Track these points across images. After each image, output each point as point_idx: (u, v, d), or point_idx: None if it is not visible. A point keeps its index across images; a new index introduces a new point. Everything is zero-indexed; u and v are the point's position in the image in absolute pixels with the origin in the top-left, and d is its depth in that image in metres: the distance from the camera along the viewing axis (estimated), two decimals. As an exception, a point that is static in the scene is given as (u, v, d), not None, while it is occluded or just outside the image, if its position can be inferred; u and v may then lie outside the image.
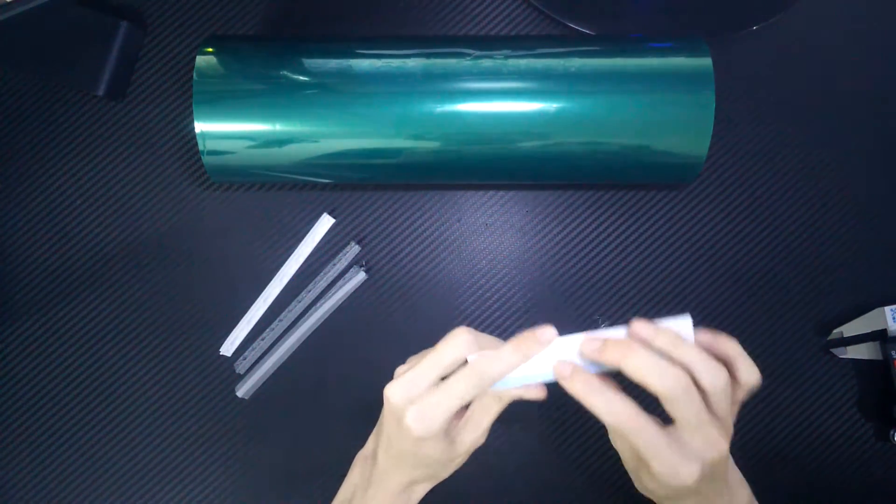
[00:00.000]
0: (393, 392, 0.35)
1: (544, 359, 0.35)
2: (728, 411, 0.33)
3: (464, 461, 0.39)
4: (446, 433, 0.36)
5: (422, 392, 0.34)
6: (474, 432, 0.37)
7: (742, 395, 0.34)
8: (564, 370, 0.33)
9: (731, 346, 0.34)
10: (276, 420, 0.52)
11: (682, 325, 0.34)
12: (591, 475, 0.51)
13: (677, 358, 0.32)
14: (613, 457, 0.49)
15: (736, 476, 0.37)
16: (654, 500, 0.37)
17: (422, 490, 0.40)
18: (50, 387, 0.52)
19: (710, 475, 0.33)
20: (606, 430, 0.35)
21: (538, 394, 0.35)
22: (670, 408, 0.32)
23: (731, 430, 0.34)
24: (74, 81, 0.51)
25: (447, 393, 0.34)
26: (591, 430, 0.51)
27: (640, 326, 0.33)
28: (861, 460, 0.51)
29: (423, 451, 0.37)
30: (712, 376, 0.32)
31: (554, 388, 0.35)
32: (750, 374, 0.34)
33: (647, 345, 0.33)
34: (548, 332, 0.34)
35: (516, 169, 0.47)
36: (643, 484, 0.35)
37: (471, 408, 0.37)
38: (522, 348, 0.34)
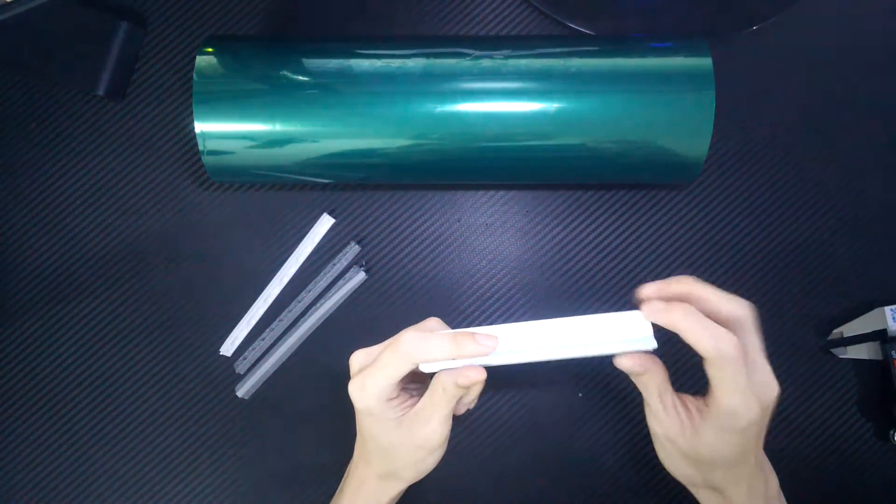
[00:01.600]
0: (354, 359, 0.39)
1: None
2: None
3: (430, 464, 0.39)
4: (398, 420, 0.37)
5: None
6: (426, 424, 0.37)
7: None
8: (658, 304, 0.34)
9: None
10: (276, 420, 0.52)
11: (634, 318, 0.35)
12: (591, 474, 0.51)
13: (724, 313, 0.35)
14: (615, 456, 0.49)
15: (766, 462, 0.38)
16: (687, 481, 0.38)
17: (393, 489, 0.40)
18: (50, 386, 0.52)
19: (759, 428, 0.35)
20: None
21: (476, 375, 0.35)
22: (716, 368, 0.33)
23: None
24: (74, 81, 0.51)
25: (376, 365, 0.36)
26: (590, 429, 0.51)
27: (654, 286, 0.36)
28: (861, 460, 0.51)
29: (377, 433, 0.38)
30: (740, 306, 0.35)
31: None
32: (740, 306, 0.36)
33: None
34: (491, 341, 0.35)
35: (516, 169, 0.47)
36: (692, 447, 0.35)
37: (420, 401, 0.37)
38: (458, 341, 0.35)
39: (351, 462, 0.43)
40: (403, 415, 0.37)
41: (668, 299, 0.34)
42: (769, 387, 0.34)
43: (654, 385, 0.36)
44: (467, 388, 0.36)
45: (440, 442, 0.38)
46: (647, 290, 0.35)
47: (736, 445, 0.34)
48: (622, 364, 0.36)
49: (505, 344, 0.36)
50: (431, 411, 0.37)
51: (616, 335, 0.35)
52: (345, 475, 0.44)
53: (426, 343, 0.35)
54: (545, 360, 0.36)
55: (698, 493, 0.39)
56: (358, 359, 0.38)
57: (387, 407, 0.37)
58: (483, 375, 0.36)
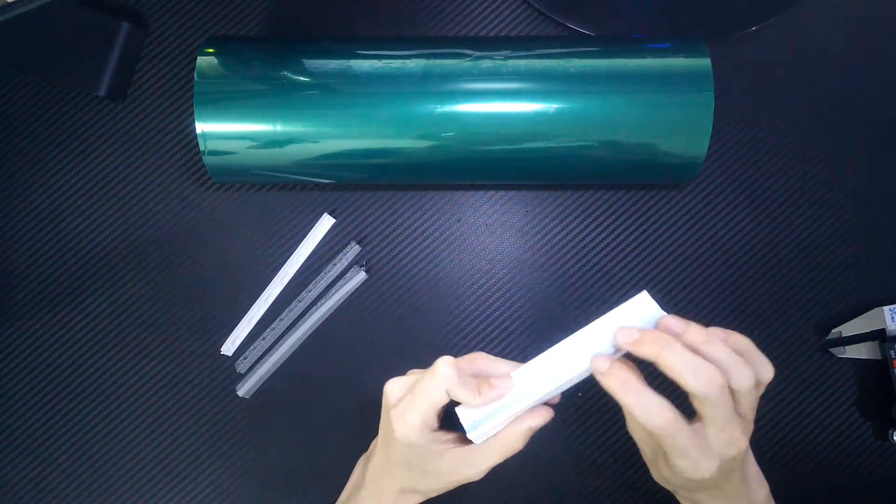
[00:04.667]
0: (390, 388, 0.38)
1: (552, 368, 0.36)
2: (753, 409, 0.34)
3: (456, 486, 0.39)
4: (440, 452, 0.37)
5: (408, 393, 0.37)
6: (475, 466, 0.37)
7: (760, 391, 0.35)
8: (601, 364, 0.33)
9: (745, 343, 0.34)
10: (277, 420, 0.52)
11: (642, 301, 0.35)
12: (591, 473, 0.51)
13: (709, 354, 0.32)
14: (614, 455, 0.49)
15: (754, 472, 0.38)
16: (670, 489, 0.37)
17: (412, 502, 0.40)
18: (50, 386, 0.52)
19: (727, 469, 0.34)
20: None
21: (547, 415, 0.36)
22: (701, 406, 0.32)
23: (752, 426, 0.35)
24: (75, 82, 0.51)
25: (414, 394, 0.36)
26: (590, 428, 0.51)
27: (670, 321, 0.34)
28: (860, 460, 0.51)
29: (414, 461, 0.38)
30: (741, 376, 0.32)
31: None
32: (766, 371, 0.34)
33: (678, 339, 0.33)
34: (506, 382, 0.36)
35: (516, 169, 0.47)
36: (660, 473, 0.36)
37: (477, 445, 0.37)
38: (482, 391, 0.36)
39: (366, 472, 0.42)
40: (447, 448, 0.37)
41: (638, 355, 0.33)
42: (731, 446, 0.33)
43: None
44: (535, 430, 0.36)
45: (478, 479, 0.38)
46: (620, 339, 0.34)
47: (701, 481, 0.34)
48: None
49: (531, 381, 0.36)
50: (486, 457, 0.37)
51: (632, 323, 0.35)
52: (353, 483, 0.44)
53: (461, 386, 0.36)
54: (574, 380, 0.36)
55: (678, 498, 0.39)
56: (394, 388, 0.38)
57: (430, 439, 0.37)
58: (548, 415, 0.37)
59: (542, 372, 0.36)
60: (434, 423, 0.37)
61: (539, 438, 0.37)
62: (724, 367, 0.32)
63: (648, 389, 0.32)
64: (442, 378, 0.35)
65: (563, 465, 0.51)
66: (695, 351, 0.32)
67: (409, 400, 0.36)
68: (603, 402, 0.51)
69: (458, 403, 0.37)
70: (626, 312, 0.35)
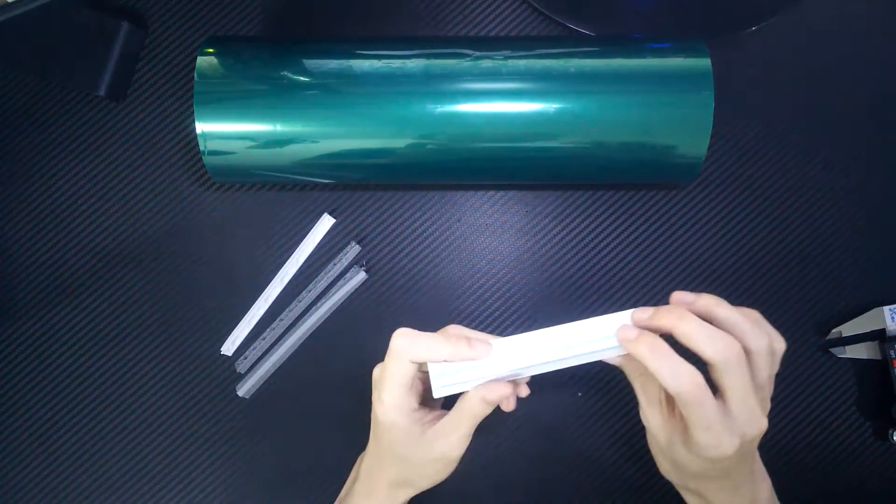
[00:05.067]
0: (374, 372, 0.39)
1: (511, 357, 0.36)
2: (770, 380, 0.34)
3: (445, 474, 0.39)
4: (420, 433, 0.37)
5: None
6: (446, 439, 0.37)
7: (776, 364, 0.35)
8: (630, 333, 0.33)
9: (754, 314, 0.34)
10: (277, 420, 0.52)
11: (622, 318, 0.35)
12: (592, 471, 0.51)
13: (722, 319, 0.33)
14: (615, 453, 0.49)
15: (759, 467, 0.38)
16: (676, 481, 0.37)
17: (405, 496, 0.41)
18: (50, 386, 0.52)
19: (743, 453, 0.34)
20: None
21: (503, 390, 0.36)
22: (720, 376, 0.32)
23: (769, 406, 0.35)
24: (75, 82, 0.51)
25: (384, 375, 0.37)
26: (590, 427, 0.51)
27: (680, 294, 0.34)
28: (860, 460, 0.51)
29: (397, 444, 0.38)
30: (758, 336, 0.33)
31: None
32: (778, 341, 0.34)
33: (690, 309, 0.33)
34: (484, 347, 0.36)
35: (516, 169, 0.47)
36: (672, 461, 0.36)
37: (445, 417, 0.38)
38: (452, 342, 0.36)
39: (360, 468, 0.43)
40: (427, 427, 0.38)
41: (654, 329, 0.34)
42: (753, 424, 0.33)
43: (642, 382, 0.36)
44: (494, 403, 0.36)
45: (457, 457, 0.38)
46: (637, 316, 0.35)
47: (712, 469, 0.34)
48: (613, 359, 0.36)
49: (508, 354, 0.36)
50: (455, 427, 0.37)
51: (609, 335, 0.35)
52: (351, 479, 0.44)
53: (416, 342, 0.36)
54: (551, 366, 0.36)
55: (682, 493, 0.39)
56: (375, 372, 0.39)
57: (410, 420, 0.37)
58: (509, 390, 0.36)
59: (523, 349, 0.36)
60: (412, 401, 0.37)
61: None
62: (739, 330, 0.32)
63: (676, 355, 0.32)
64: (398, 347, 0.36)
65: (564, 462, 0.51)
66: (708, 319, 0.33)
67: (381, 379, 0.37)
68: (603, 401, 0.51)
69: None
70: (620, 317, 0.35)
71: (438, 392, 0.36)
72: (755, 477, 0.37)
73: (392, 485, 0.40)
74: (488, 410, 0.37)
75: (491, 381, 0.36)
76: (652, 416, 0.36)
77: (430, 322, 0.52)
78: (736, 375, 0.32)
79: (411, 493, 0.40)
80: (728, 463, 0.33)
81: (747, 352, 0.32)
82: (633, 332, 0.33)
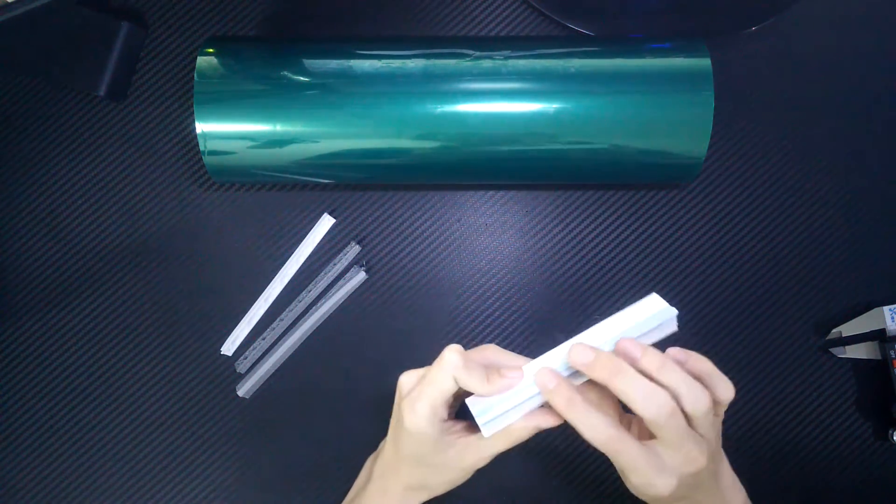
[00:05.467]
0: (403, 379, 0.38)
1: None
2: (710, 430, 0.34)
3: (463, 480, 0.39)
4: (448, 443, 0.37)
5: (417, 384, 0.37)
6: (478, 454, 0.37)
7: (721, 410, 0.35)
8: (548, 381, 0.34)
9: (704, 364, 0.35)
10: (277, 420, 0.52)
11: (652, 302, 0.35)
12: (593, 470, 0.51)
13: (663, 381, 0.33)
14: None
15: (729, 480, 0.38)
16: (645, 500, 0.37)
17: (418, 499, 0.40)
18: (50, 386, 0.52)
19: (692, 485, 0.34)
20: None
21: (555, 421, 0.36)
22: (653, 428, 0.33)
23: (715, 442, 0.35)
24: (75, 82, 0.51)
25: (424, 384, 0.36)
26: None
27: (627, 344, 0.34)
28: (860, 460, 0.51)
29: (422, 452, 0.38)
30: (696, 400, 0.33)
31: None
32: (726, 391, 0.34)
33: (633, 362, 0.33)
34: (515, 373, 0.36)
35: (516, 169, 0.47)
36: (630, 484, 0.36)
37: (480, 435, 0.37)
38: (491, 379, 0.35)
39: (374, 469, 0.42)
40: (455, 439, 0.38)
41: (591, 376, 0.34)
42: (690, 464, 0.33)
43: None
44: (543, 430, 0.36)
45: (481, 468, 0.38)
46: (575, 358, 0.34)
47: (660, 498, 0.34)
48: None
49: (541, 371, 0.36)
50: (491, 445, 0.37)
51: (641, 320, 0.35)
52: (362, 479, 0.44)
53: (469, 367, 0.35)
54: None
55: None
56: (407, 380, 0.39)
57: (440, 429, 0.37)
58: (560, 420, 0.35)
59: (554, 366, 0.36)
60: (444, 413, 0.37)
61: (541, 436, 0.37)
62: (677, 392, 0.33)
63: (590, 407, 0.33)
64: (448, 365, 0.35)
65: (565, 462, 0.51)
66: (650, 377, 0.33)
67: (418, 389, 0.36)
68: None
69: (470, 394, 0.37)
70: (637, 312, 0.35)
71: (488, 432, 0.36)
72: (724, 492, 0.37)
73: (408, 488, 0.40)
74: (531, 435, 0.37)
75: (539, 409, 0.36)
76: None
77: (430, 322, 0.52)
78: (668, 428, 0.32)
79: (426, 497, 0.40)
80: (676, 496, 0.33)
81: (686, 412, 0.33)
82: (552, 381, 0.34)
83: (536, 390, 0.35)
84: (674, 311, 0.35)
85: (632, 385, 0.32)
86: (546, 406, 0.36)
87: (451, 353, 0.36)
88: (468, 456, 0.37)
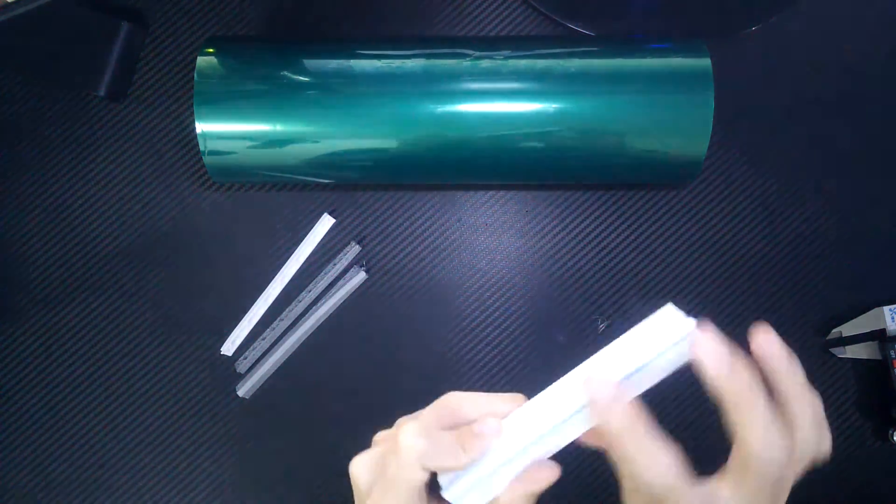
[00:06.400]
0: (356, 471, 0.31)
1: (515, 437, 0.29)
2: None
3: None
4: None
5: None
6: None
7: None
8: (601, 391, 0.27)
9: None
10: (277, 420, 0.52)
11: (667, 313, 0.30)
12: (594, 468, 0.51)
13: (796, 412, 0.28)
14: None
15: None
16: None
17: None
18: (50, 386, 0.52)
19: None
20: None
21: (550, 476, 0.30)
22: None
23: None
24: (75, 82, 0.51)
25: (386, 485, 0.30)
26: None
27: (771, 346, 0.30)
28: (860, 460, 0.51)
29: None
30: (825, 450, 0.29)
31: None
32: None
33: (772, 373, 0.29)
34: (493, 424, 0.29)
35: (516, 169, 0.47)
36: None
37: None
38: (465, 444, 0.29)
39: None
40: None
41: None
42: None
43: None
44: (538, 494, 0.30)
45: None
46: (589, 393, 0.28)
47: None
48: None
49: (534, 416, 0.29)
50: None
51: (658, 337, 0.30)
52: None
53: (437, 452, 0.29)
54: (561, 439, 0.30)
55: None
56: (361, 471, 0.31)
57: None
58: (554, 473, 0.30)
59: (541, 412, 0.29)
60: (421, 500, 0.30)
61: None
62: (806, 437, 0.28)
63: (658, 439, 0.27)
64: (411, 454, 0.28)
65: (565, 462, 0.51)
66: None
67: (382, 489, 0.29)
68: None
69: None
70: (652, 327, 0.30)
71: (458, 502, 0.29)
72: None
73: None
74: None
75: (526, 470, 0.29)
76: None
77: (430, 322, 0.52)
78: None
79: None
80: None
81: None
82: (606, 391, 0.28)
83: (523, 444, 0.29)
84: (691, 322, 0.30)
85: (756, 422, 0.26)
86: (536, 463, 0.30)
87: (410, 438, 0.29)
88: None
